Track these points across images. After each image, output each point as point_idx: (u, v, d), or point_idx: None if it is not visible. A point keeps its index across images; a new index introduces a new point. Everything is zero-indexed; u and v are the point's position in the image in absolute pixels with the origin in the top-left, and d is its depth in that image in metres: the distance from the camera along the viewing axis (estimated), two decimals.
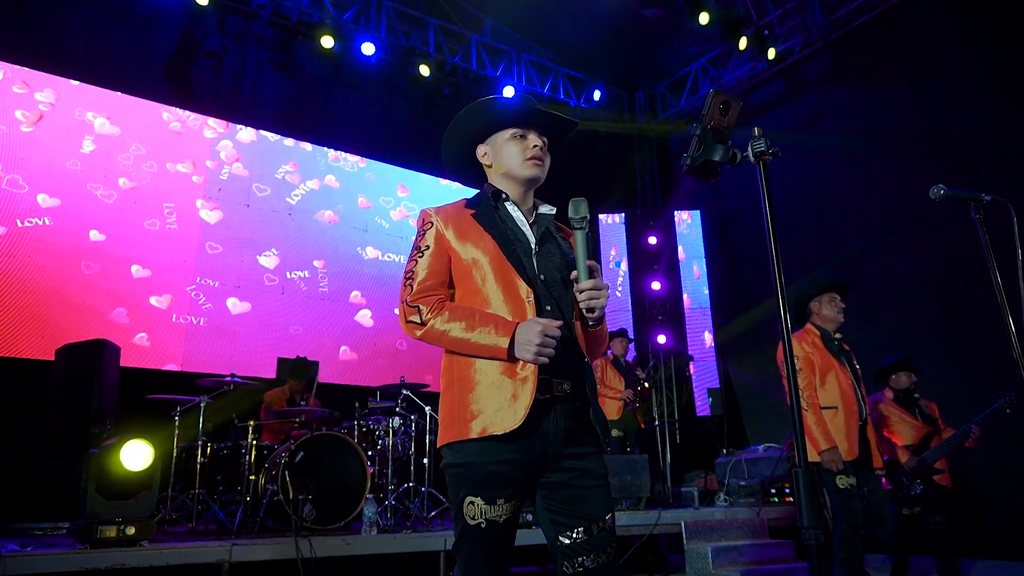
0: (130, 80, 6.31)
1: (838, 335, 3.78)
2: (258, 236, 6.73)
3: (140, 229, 6.07)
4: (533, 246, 1.77)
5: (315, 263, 7.01)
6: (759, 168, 1.31)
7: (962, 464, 5.15)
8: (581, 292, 1.61)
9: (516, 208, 1.82)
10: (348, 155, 7.53)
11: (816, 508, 1.16)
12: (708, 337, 8.47)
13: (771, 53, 7.72)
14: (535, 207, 1.87)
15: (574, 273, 1.64)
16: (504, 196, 1.82)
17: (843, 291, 3.82)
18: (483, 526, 1.57)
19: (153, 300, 6.00)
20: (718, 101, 1.36)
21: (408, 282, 1.73)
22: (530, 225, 1.81)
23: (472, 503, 1.58)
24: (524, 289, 1.67)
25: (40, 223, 5.60)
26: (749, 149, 1.32)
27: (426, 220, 1.80)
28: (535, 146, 1.79)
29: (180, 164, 6.43)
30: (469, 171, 1.95)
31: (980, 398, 4.39)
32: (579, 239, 1.62)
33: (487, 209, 1.81)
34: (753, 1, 7.67)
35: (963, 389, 5.52)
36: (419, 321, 1.68)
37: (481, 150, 1.88)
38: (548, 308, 1.69)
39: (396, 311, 1.76)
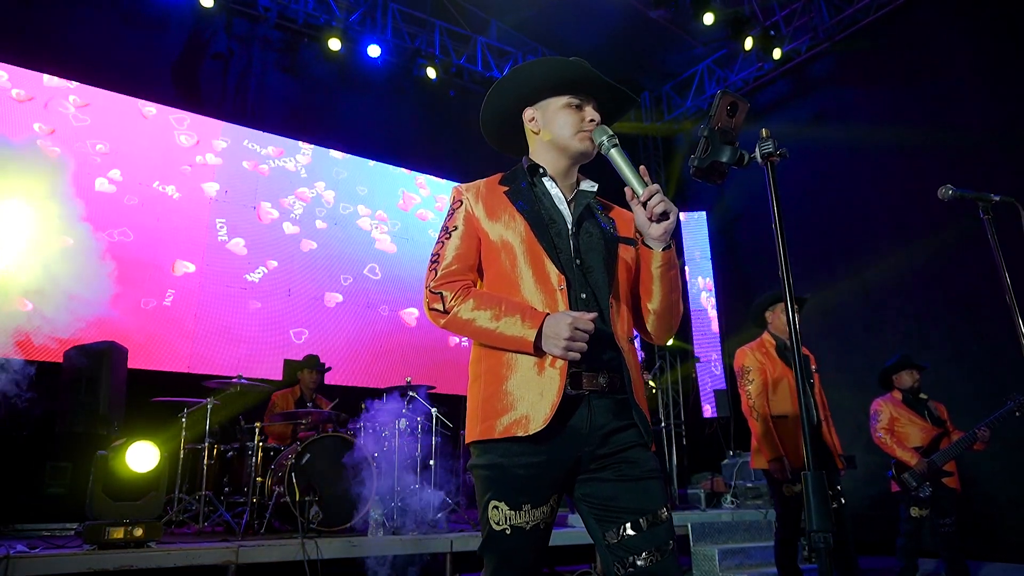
0: (136, 82, 6.33)
1: None
2: (264, 239, 6.75)
3: (145, 230, 6.09)
4: (570, 226, 1.60)
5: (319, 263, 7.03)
6: (767, 169, 1.30)
7: (971, 466, 5.12)
8: (646, 200, 1.47)
9: (554, 184, 1.66)
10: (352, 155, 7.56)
11: (826, 511, 1.15)
12: (714, 338, 8.44)
13: (777, 53, 7.70)
14: (577, 183, 1.70)
15: (629, 192, 1.50)
16: (542, 171, 1.67)
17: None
18: (508, 532, 1.45)
19: (160, 301, 6.02)
20: (725, 102, 1.35)
21: (433, 266, 1.60)
22: (568, 203, 1.65)
23: (496, 507, 1.46)
24: (555, 275, 1.53)
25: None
26: (757, 150, 1.31)
27: (455, 199, 1.67)
28: (591, 120, 1.63)
29: (188, 167, 6.47)
30: (506, 135, 1.79)
31: (989, 399, 4.37)
32: (616, 156, 1.53)
33: (521, 185, 1.65)
34: (759, 1, 7.65)
35: (972, 390, 5.50)
36: (442, 309, 1.54)
37: (529, 113, 1.71)
38: (583, 296, 1.54)
39: (425, 302, 1.63)
